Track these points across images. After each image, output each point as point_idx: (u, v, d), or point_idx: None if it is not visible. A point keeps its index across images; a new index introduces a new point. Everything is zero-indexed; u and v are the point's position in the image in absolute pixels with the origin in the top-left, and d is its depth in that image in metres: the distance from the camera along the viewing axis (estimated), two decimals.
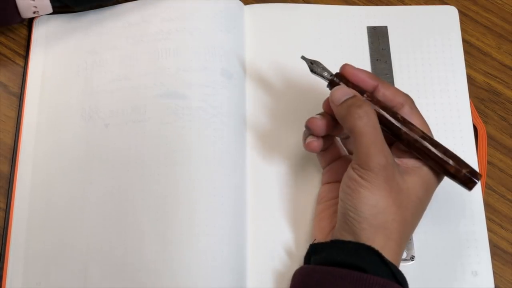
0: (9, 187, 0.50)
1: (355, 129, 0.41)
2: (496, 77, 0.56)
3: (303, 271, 0.42)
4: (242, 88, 0.53)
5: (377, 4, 0.58)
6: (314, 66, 0.46)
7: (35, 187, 0.50)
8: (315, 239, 0.45)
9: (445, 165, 0.42)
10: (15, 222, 0.49)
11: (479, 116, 0.54)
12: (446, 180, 0.50)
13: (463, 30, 0.56)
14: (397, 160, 0.43)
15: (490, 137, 0.54)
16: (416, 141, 0.42)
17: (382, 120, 0.43)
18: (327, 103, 0.45)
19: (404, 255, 0.48)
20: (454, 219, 0.49)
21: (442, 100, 0.53)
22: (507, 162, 0.53)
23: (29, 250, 0.48)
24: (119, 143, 0.50)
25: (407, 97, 0.44)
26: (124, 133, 0.50)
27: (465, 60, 0.55)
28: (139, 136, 0.50)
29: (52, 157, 0.51)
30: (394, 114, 0.43)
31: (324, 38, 0.55)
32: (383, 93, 0.44)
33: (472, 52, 0.56)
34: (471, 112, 0.53)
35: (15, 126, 0.53)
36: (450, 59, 0.55)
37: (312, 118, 0.45)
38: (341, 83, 0.44)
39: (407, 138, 0.42)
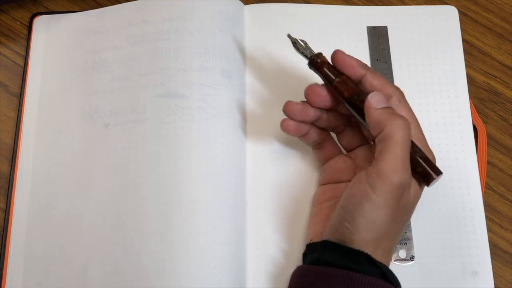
0: (9, 187, 0.50)
1: (394, 137, 0.39)
2: (496, 77, 0.56)
3: (299, 271, 0.42)
4: (242, 88, 0.53)
5: (377, 4, 0.58)
6: (297, 44, 0.46)
7: (35, 187, 0.50)
8: (311, 239, 0.45)
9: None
10: (15, 222, 0.49)
11: (479, 116, 0.54)
12: (446, 181, 0.50)
13: (463, 30, 0.56)
14: None
15: (490, 137, 0.54)
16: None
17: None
18: (310, 89, 0.44)
19: (404, 255, 0.48)
20: (454, 219, 0.49)
21: (442, 100, 0.53)
22: (507, 162, 0.53)
23: (29, 250, 0.48)
24: (119, 143, 0.50)
25: (396, 89, 0.44)
26: (124, 133, 0.50)
27: (465, 60, 0.55)
28: (139, 136, 0.50)
29: (52, 157, 0.51)
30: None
31: (324, 38, 0.55)
32: (370, 82, 0.43)
33: (472, 52, 0.56)
34: (471, 112, 0.53)
35: (15, 126, 0.53)
36: (450, 59, 0.55)
37: (289, 101, 0.45)
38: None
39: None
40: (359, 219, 0.39)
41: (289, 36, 0.47)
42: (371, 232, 0.39)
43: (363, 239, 0.39)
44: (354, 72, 0.44)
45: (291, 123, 0.45)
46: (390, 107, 0.41)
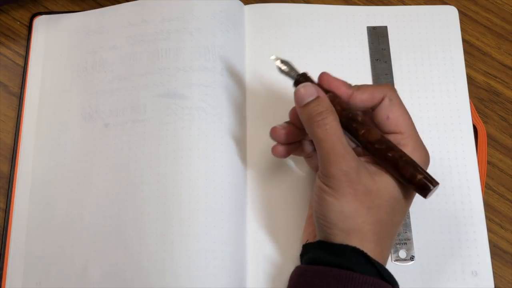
0: (9, 187, 0.50)
1: (315, 136, 0.41)
2: (496, 77, 0.56)
3: (298, 270, 0.43)
4: (242, 88, 0.53)
5: (377, 4, 0.58)
6: (282, 66, 0.46)
7: (35, 187, 0.50)
8: (307, 240, 0.45)
9: (400, 170, 0.40)
10: (15, 222, 0.49)
11: (479, 116, 0.54)
12: (446, 181, 0.50)
13: (463, 30, 0.56)
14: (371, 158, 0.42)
15: (490, 137, 0.54)
16: (371, 143, 0.41)
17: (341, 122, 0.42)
18: (293, 112, 0.45)
19: (404, 255, 0.48)
20: (454, 219, 0.49)
21: (442, 100, 0.53)
22: (507, 162, 0.53)
23: (29, 250, 0.48)
24: (119, 143, 0.50)
25: (387, 90, 0.43)
26: (124, 133, 0.51)
27: (465, 60, 0.55)
28: (139, 136, 0.50)
29: (52, 157, 0.51)
30: (354, 117, 0.42)
31: (324, 38, 0.55)
32: (360, 99, 0.43)
33: (472, 52, 0.56)
34: (471, 112, 0.53)
35: (15, 126, 0.53)
36: (450, 59, 0.55)
37: (274, 127, 0.45)
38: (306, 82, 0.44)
39: (364, 141, 0.41)
40: (328, 213, 0.40)
41: (273, 59, 0.46)
42: (344, 222, 0.40)
43: (341, 230, 0.40)
44: (342, 93, 0.43)
45: (280, 148, 0.46)
46: (313, 100, 0.41)
